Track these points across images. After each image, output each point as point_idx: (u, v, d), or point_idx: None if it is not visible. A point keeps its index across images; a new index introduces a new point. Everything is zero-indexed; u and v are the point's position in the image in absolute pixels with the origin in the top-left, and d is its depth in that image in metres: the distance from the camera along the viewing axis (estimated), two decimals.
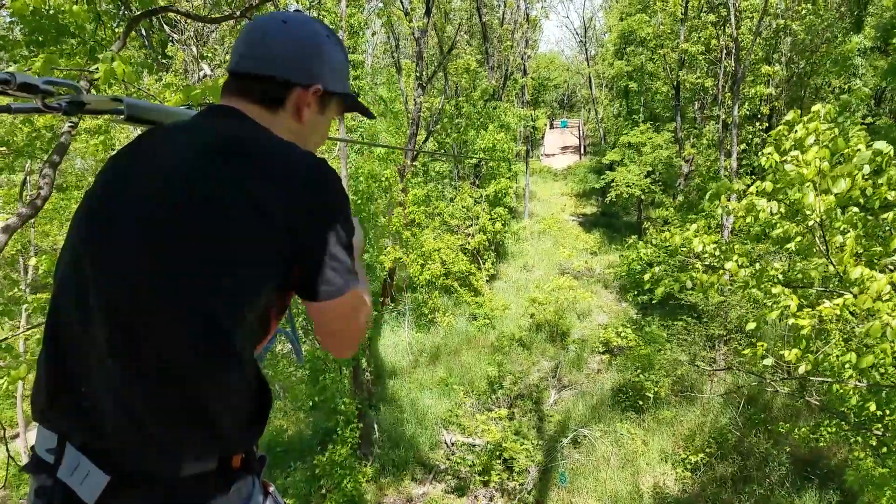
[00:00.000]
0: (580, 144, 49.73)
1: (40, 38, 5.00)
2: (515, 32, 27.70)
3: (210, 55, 16.72)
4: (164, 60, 19.16)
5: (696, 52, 22.64)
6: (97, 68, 4.66)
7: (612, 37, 31.42)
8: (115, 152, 1.24)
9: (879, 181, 4.28)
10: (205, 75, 14.19)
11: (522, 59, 29.24)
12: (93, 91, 6.44)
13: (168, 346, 1.01)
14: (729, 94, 20.54)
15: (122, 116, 1.43)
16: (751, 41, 19.77)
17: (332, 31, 1.31)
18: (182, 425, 1.04)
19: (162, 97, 5.18)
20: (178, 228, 1.03)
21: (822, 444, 10.05)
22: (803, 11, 20.75)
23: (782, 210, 4.55)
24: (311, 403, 13.90)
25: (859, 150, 4.22)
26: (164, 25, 15.86)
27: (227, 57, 17.56)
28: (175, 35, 16.16)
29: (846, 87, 19.03)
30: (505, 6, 28.51)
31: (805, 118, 4.56)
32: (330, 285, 1.12)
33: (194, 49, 15.21)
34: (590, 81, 44.62)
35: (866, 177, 4.27)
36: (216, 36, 16.98)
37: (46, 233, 17.53)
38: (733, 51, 20.02)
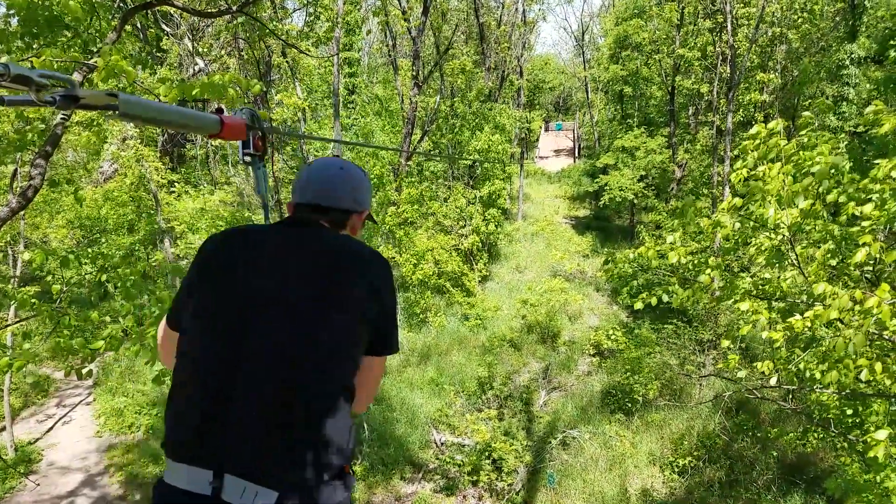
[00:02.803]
0: (574, 147, 49.86)
1: (35, 30, 4.98)
2: (512, 34, 27.74)
3: (205, 50, 16.67)
4: (159, 54, 19.10)
5: (692, 58, 22.74)
6: (95, 61, 4.65)
7: (607, 41, 31.50)
8: (217, 236, 1.66)
9: (840, 199, 4.34)
10: (199, 70, 14.16)
11: (519, 60, 29.29)
12: (86, 85, 6.42)
13: (316, 396, 1.40)
14: (724, 100, 20.65)
15: (117, 112, 1.42)
16: (747, 48, 19.88)
17: (365, 171, 1.85)
18: (326, 448, 1.39)
19: (157, 91, 5.16)
20: (321, 314, 1.45)
21: (808, 449, 10.13)
22: (799, 20, 20.90)
23: (750, 225, 4.60)
24: None
25: (818, 161, 4.28)
26: (160, 19, 15.79)
27: (223, 52, 17.52)
28: (170, 29, 16.10)
29: (840, 95, 19.18)
30: (503, 7, 28.55)
31: (764, 134, 4.62)
32: (393, 345, 1.66)
33: (189, 44, 15.16)
34: (585, 85, 44.74)
35: (830, 190, 4.34)
36: (211, 31, 16.94)
37: (37, 225, 17.42)
38: (729, 57, 20.14)
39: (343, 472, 1.45)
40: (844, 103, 18.97)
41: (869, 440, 3.98)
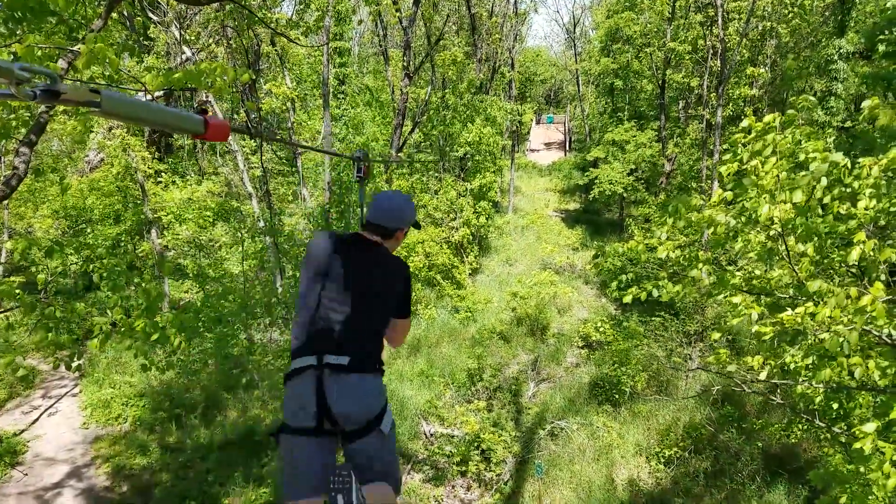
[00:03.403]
0: (565, 140, 49.87)
1: (19, 16, 4.90)
2: (504, 25, 27.64)
3: (193, 38, 16.49)
4: (146, 43, 18.87)
5: (682, 52, 22.77)
6: (79, 48, 4.58)
7: (599, 34, 31.47)
8: (331, 240, 2.77)
9: (832, 195, 4.35)
10: (187, 59, 14.00)
11: (510, 52, 29.21)
12: (71, 72, 6.33)
13: (375, 318, 2.66)
14: (714, 94, 20.72)
15: (98, 109, 1.40)
16: (737, 42, 19.93)
17: (409, 195, 3.16)
18: (376, 344, 2.66)
19: (143, 80, 5.10)
20: (379, 285, 2.70)
21: (793, 440, 10.24)
22: (789, 15, 20.97)
23: (742, 220, 4.60)
24: None
25: (815, 157, 4.27)
26: (147, 7, 15.59)
27: (211, 41, 17.34)
28: (157, 17, 15.90)
29: (828, 90, 19.29)
30: None
31: (759, 128, 4.61)
32: (408, 318, 2.93)
33: (176, 32, 14.99)
34: (577, 78, 44.72)
35: (825, 188, 4.34)
36: (199, 19, 16.75)
37: (21, 215, 17.21)
38: (720, 51, 20.19)
39: (380, 365, 2.66)
40: (832, 98, 19.09)
41: (857, 433, 4.02)
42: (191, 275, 18.41)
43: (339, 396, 2.42)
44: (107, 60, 4.24)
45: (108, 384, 14.73)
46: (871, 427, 4.01)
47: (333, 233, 2.77)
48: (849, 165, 4.08)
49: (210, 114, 1.80)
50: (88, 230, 18.16)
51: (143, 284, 5.57)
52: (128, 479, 12.01)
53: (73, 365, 5.15)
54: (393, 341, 2.87)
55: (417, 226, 3.03)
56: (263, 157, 17.69)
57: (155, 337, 5.25)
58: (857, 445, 3.97)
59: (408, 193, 3.26)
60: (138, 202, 18.29)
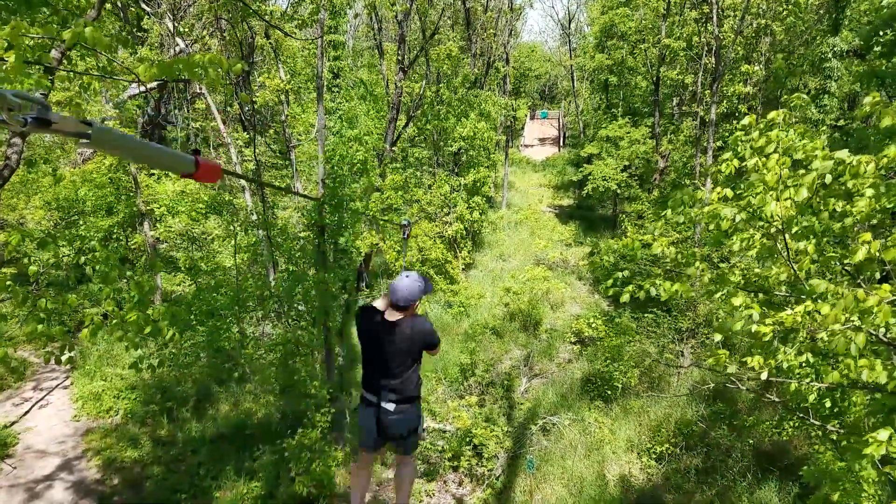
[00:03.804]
0: (560, 136, 49.90)
1: (11, 4, 4.84)
2: (499, 20, 27.57)
3: (186, 30, 16.37)
4: (139, 34, 18.72)
5: (677, 48, 22.79)
6: (67, 34, 4.53)
7: (593, 29, 31.45)
8: (370, 319, 4.19)
9: (831, 191, 4.35)
10: (180, 51, 13.91)
11: (505, 47, 29.15)
12: (64, 63, 6.26)
13: (408, 365, 4.09)
14: (708, 91, 20.75)
15: (87, 141, 1.39)
16: (732, 39, 19.96)
17: (420, 275, 4.17)
18: (413, 382, 4.17)
19: (136, 71, 5.05)
20: (406, 346, 4.03)
21: (784, 437, 10.30)
22: (784, 12, 21.01)
23: (743, 216, 4.59)
24: (280, 387, 13.82)
25: (816, 155, 4.27)
26: None
27: (205, 33, 17.21)
28: (151, 9, 15.78)
29: (822, 88, 19.35)
30: None
31: (761, 125, 4.60)
32: (436, 348, 4.24)
33: (170, 24, 14.87)
34: (571, 73, 44.70)
35: (821, 185, 4.34)
36: (193, 11, 16.63)
37: (13, 206, 17.09)
38: (714, 48, 20.21)
39: (419, 398, 4.26)
40: (826, 96, 19.16)
41: (870, 439, 3.95)
42: (183, 268, 18.33)
43: (390, 425, 4.19)
44: (95, 45, 4.20)
45: (100, 377, 14.66)
46: (884, 435, 3.95)
47: (370, 310, 4.18)
48: (854, 163, 4.07)
49: (202, 156, 1.81)
50: (81, 222, 18.03)
51: (136, 277, 5.54)
52: (119, 472, 11.97)
53: (64, 357, 5.12)
54: (430, 358, 5.02)
55: (430, 290, 4.25)
56: (257, 151, 17.61)
57: (147, 330, 5.23)
58: (868, 451, 3.91)
59: (421, 275, 4.21)
60: (131, 194, 18.17)
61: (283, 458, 11.54)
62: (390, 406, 4.08)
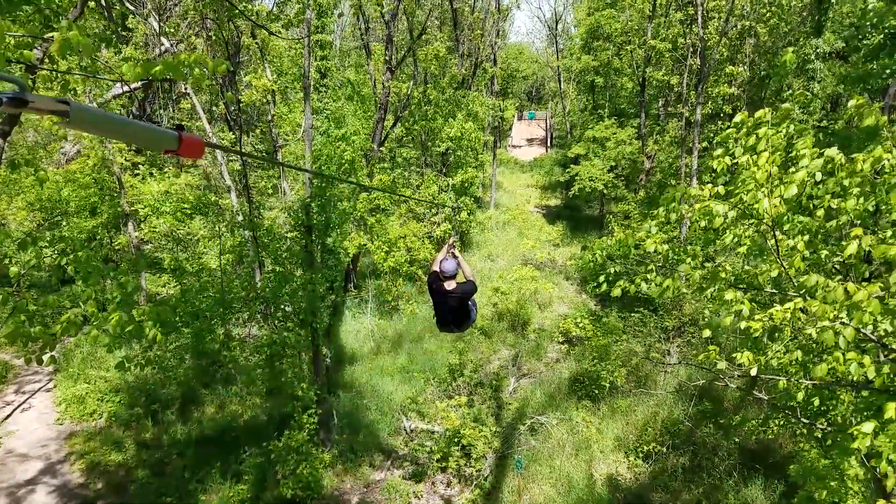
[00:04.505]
0: (547, 137, 50.04)
1: None
2: (486, 21, 27.59)
3: (172, 30, 16.23)
4: (124, 33, 18.53)
5: (663, 50, 22.92)
6: (52, 37, 4.45)
7: (580, 31, 31.56)
8: (435, 282, 6.48)
9: (821, 191, 4.38)
10: (165, 50, 13.78)
11: (493, 48, 29.18)
12: (46, 61, 6.17)
13: (462, 307, 6.47)
14: (693, 92, 20.89)
15: (66, 120, 1.37)
16: (717, 41, 20.12)
17: (456, 256, 6.81)
18: (466, 314, 6.56)
19: (120, 70, 4.98)
20: (457, 300, 6.37)
21: (769, 435, 10.37)
22: (767, 14, 21.20)
23: (734, 214, 4.62)
24: (266, 389, 13.72)
25: (804, 154, 4.31)
26: None
27: (190, 32, 17.08)
28: (136, 8, 15.62)
29: (806, 89, 19.54)
30: None
31: (750, 123, 4.63)
32: (475, 292, 6.55)
33: (155, 23, 14.73)
34: (558, 75, 44.84)
35: (814, 183, 4.38)
36: (179, 10, 16.49)
37: None
38: (699, 49, 20.36)
39: (469, 316, 6.58)
40: (811, 97, 19.33)
41: (855, 433, 4.01)
42: (168, 269, 18.16)
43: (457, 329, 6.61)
44: (80, 49, 4.13)
45: (83, 379, 14.50)
46: (869, 427, 4.01)
47: (435, 277, 6.32)
48: (843, 161, 4.10)
49: (185, 131, 1.77)
50: (64, 223, 17.82)
51: (119, 277, 5.47)
52: (103, 476, 11.83)
53: (45, 357, 5.04)
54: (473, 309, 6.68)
55: (461, 265, 6.49)
56: (243, 150, 17.48)
57: (129, 328, 5.15)
58: (855, 445, 3.97)
59: (453, 256, 6.76)
60: (115, 195, 17.98)
61: (269, 460, 11.47)
62: (457, 324, 6.66)
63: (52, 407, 13.94)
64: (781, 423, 8.46)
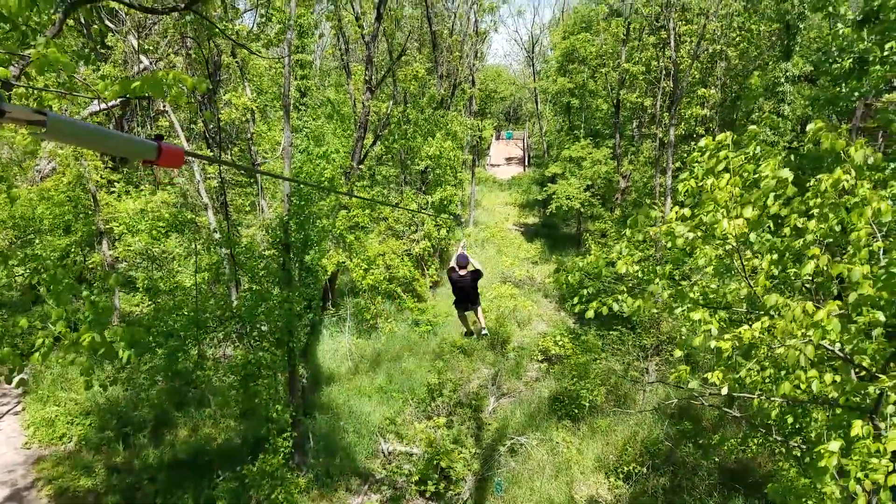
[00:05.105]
0: (525, 156, 50.56)
1: None
2: (465, 44, 27.91)
3: (151, 48, 16.15)
4: (103, 51, 18.38)
5: (636, 72, 23.37)
6: (30, 53, 4.41)
7: (555, 54, 32.09)
8: (454, 271, 9.05)
9: (785, 211, 4.48)
10: (144, 68, 13.69)
11: (471, 69, 29.48)
12: (23, 78, 6.09)
13: (474, 288, 8.99)
14: (667, 114, 21.29)
15: (44, 130, 1.36)
16: (689, 64, 20.57)
17: (464, 247, 9.62)
18: (476, 295, 9.13)
19: (97, 88, 4.94)
20: (470, 281, 8.87)
21: (749, 454, 10.44)
22: (737, 38, 21.76)
23: (698, 234, 4.71)
24: (241, 411, 13.48)
25: (767, 175, 4.43)
26: (104, 15, 15.21)
27: (170, 50, 16.99)
28: (115, 26, 15.52)
29: (776, 111, 20.02)
30: (455, 17, 28.70)
31: (713, 147, 4.75)
32: (482, 277, 9.12)
33: (134, 41, 14.64)
34: (535, 96, 45.42)
35: (782, 201, 4.49)
36: (158, 28, 16.42)
37: None
38: (672, 72, 20.80)
39: (478, 296, 9.19)
40: (780, 119, 19.81)
41: (822, 451, 4.06)
42: (141, 287, 17.86)
43: (471, 305, 9.09)
44: (59, 67, 4.10)
45: (53, 402, 14.12)
46: (835, 446, 4.06)
47: (454, 270, 8.69)
48: (790, 179, 4.22)
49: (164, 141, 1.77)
50: (37, 241, 17.47)
51: (91, 297, 5.37)
52: (72, 502, 11.50)
53: (15, 379, 4.91)
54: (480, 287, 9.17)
55: (465, 262, 8.75)
56: (221, 168, 17.36)
57: (101, 351, 5.05)
58: (822, 464, 4.01)
59: (463, 247, 8.78)
60: (90, 212, 17.70)
61: (243, 485, 11.22)
62: (471, 302, 8.91)
63: (21, 430, 13.55)
64: (760, 441, 8.53)
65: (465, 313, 9.53)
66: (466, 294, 8.90)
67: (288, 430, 11.58)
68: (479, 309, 9.43)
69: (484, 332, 10.04)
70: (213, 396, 14.00)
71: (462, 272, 8.64)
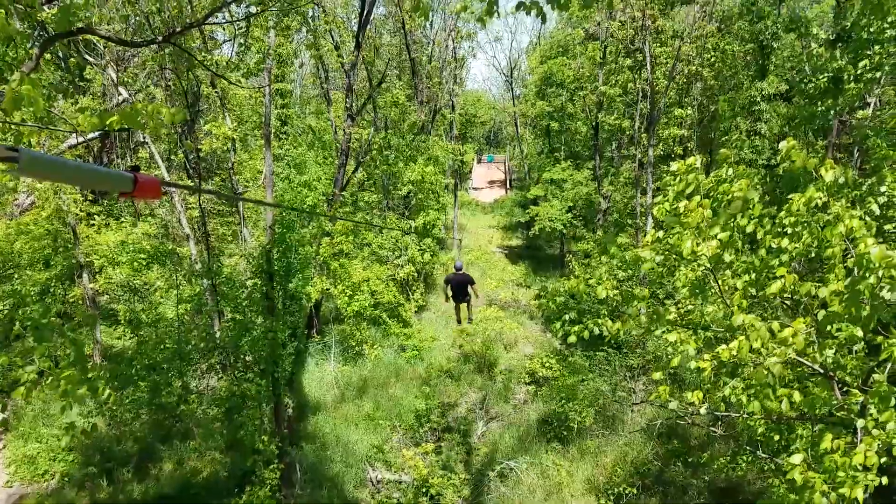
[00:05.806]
0: (506, 179, 50.95)
1: None
2: (444, 70, 28.25)
3: (130, 80, 16.16)
4: (81, 84, 18.36)
5: (613, 95, 23.77)
6: (3, 90, 4.40)
7: (534, 78, 32.56)
8: (453, 278, 12.57)
9: (760, 232, 4.58)
10: (124, 100, 13.68)
11: (451, 95, 29.80)
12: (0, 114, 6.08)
13: (466, 288, 12.30)
14: (645, 135, 21.64)
15: (17, 167, 1.36)
16: (665, 85, 20.97)
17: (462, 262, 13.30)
18: (468, 294, 12.42)
19: (75, 122, 4.94)
20: (463, 287, 12.27)
21: (739, 472, 10.47)
22: (712, 59, 22.25)
23: (673, 257, 4.80)
24: (226, 443, 13.28)
25: (737, 197, 4.53)
26: (82, 49, 15.22)
27: (149, 81, 17.01)
28: (93, 59, 15.53)
29: (752, 129, 20.44)
30: (433, 45, 29.08)
31: (683, 170, 4.86)
32: (474, 284, 12.58)
33: (113, 74, 14.66)
34: (515, 119, 45.94)
35: (756, 221, 4.58)
36: (137, 60, 16.46)
37: None
38: (649, 94, 21.18)
39: (469, 295, 12.48)
40: (757, 137, 20.22)
41: (785, 464, 4.14)
42: (123, 320, 17.61)
43: (464, 300, 12.47)
44: (32, 106, 4.09)
45: (34, 438, 13.82)
46: (797, 458, 4.14)
47: (450, 276, 12.41)
48: (755, 199, 4.33)
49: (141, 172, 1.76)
50: (16, 276, 17.23)
51: (72, 335, 5.30)
52: None
53: None
54: (472, 295, 12.41)
55: (460, 267, 12.44)
56: (201, 198, 17.30)
57: (83, 390, 4.98)
58: (790, 476, 4.09)
59: (459, 258, 11.21)
60: (69, 245, 17.51)
61: None
62: (463, 298, 11.92)
63: (1, 469, 13.22)
64: (749, 459, 8.56)
65: (459, 306, 12.82)
66: (460, 291, 12.06)
67: (274, 461, 11.42)
68: (469, 304, 12.63)
69: (470, 319, 13.62)
70: (197, 429, 13.78)
71: (457, 275, 12.05)
